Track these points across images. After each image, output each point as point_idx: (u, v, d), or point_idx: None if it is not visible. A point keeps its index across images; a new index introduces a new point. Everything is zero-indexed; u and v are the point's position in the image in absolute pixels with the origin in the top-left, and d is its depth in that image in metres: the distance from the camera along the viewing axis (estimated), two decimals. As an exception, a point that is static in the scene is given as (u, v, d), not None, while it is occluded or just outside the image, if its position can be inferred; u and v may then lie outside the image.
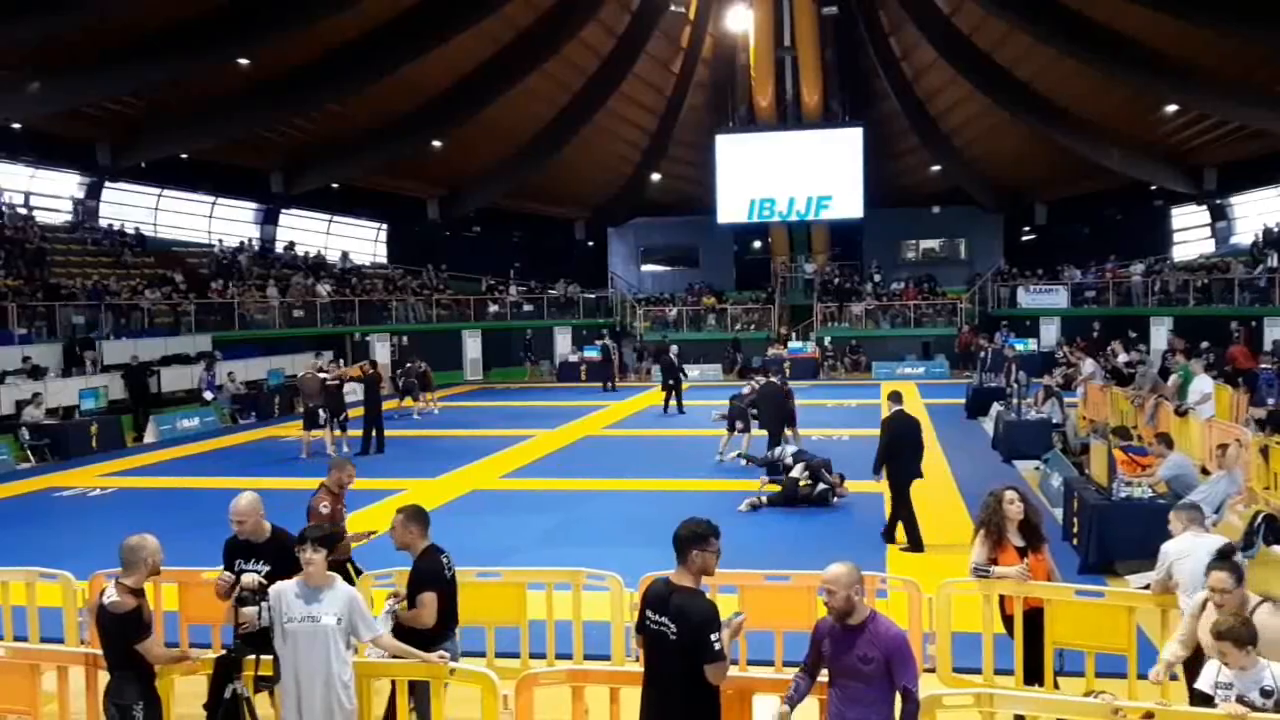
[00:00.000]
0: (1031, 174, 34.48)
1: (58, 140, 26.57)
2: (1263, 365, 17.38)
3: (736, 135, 34.46)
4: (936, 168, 34.57)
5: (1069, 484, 10.49)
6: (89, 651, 5.55)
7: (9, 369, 19.74)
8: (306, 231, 36.23)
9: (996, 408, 17.62)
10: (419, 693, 5.22)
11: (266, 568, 5.37)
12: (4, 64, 20.54)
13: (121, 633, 4.85)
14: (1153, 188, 32.30)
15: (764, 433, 15.27)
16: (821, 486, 12.43)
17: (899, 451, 10.40)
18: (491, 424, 21.18)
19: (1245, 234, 30.44)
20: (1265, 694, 4.28)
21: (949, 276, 36.50)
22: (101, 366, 21.61)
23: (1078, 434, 14.46)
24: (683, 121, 34.48)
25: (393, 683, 5.37)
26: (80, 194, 28.94)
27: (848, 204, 33.92)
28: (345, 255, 36.06)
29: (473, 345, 33.08)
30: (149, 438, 20.09)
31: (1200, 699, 4.46)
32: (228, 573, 5.41)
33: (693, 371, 27.96)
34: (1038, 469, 13.67)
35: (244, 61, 23.58)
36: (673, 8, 29.49)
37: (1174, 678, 5.20)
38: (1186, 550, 5.68)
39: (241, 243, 32.98)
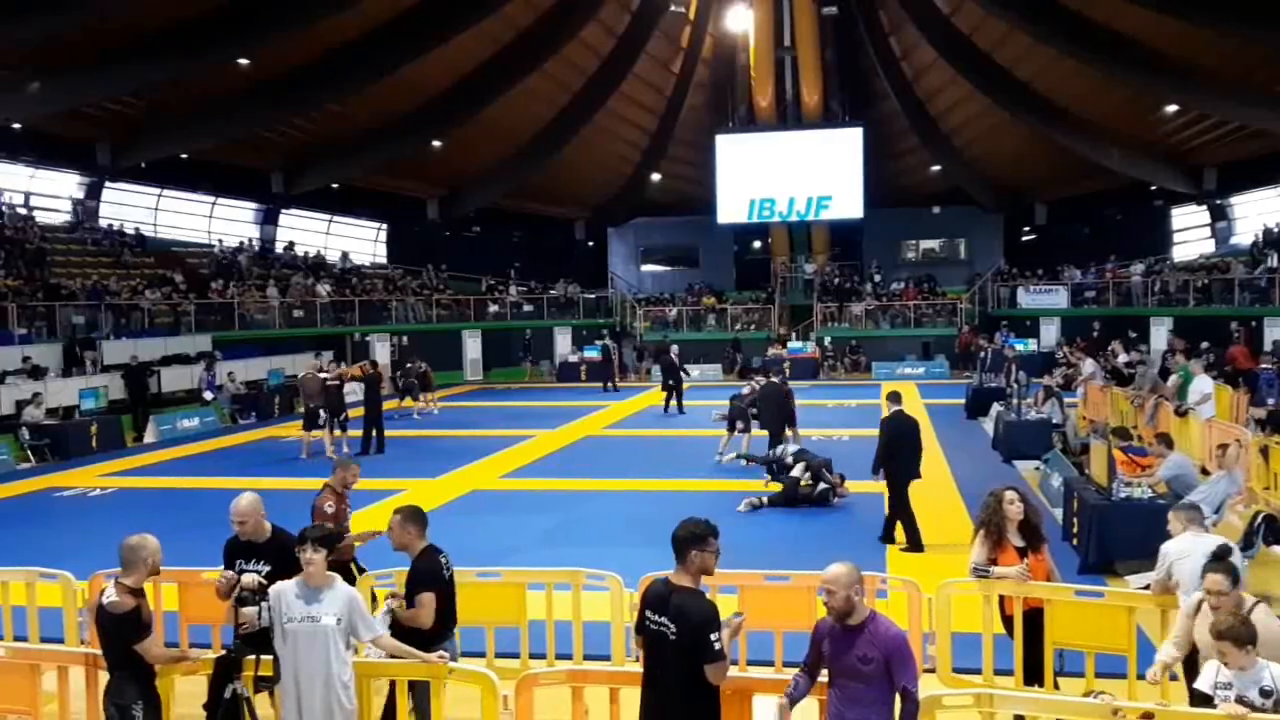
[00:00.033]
0: (1031, 174, 34.48)
1: (58, 140, 26.58)
2: (1263, 365, 17.37)
3: (736, 135, 34.46)
4: (936, 168, 34.57)
5: (1069, 484, 10.49)
6: (89, 651, 5.54)
7: (9, 369, 19.74)
8: (306, 231, 36.24)
9: (996, 408, 17.62)
10: (419, 693, 5.22)
11: (267, 568, 5.38)
12: (4, 64, 20.54)
13: (120, 633, 4.85)
14: (1153, 188, 32.30)
15: (764, 433, 15.27)
16: (822, 486, 12.43)
17: (898, 451, 10.39)
18: (491, 424, 21.18)
19: (1245, 234, 30.44)
20: (1265, 694, 4.28)
21: (949, 276, 36.50)
22: (101, 366, 21.61)
23: (1078, 434, 14.47)
24: (683, 121, 34.48)
25: (391, 683, 5.37)
26: (80, 194, 28.95)
27: (848, 204, 33.93)
28: (345, 255, 36.07)
29: (473, 345, 33.08)
30: (149, 438, 20.09)
31: (1200, 699, 4.46)
32: (229, 572, 5.41)
33: (693, 371, 27.94)
34: (1038, 469, 13.67)
35: (244, 61, 23.58)
36: (673, 8, 29.49)
37: (1174, 678, 5.21)
38: (1186, 550, 5.68)
39: (241, 243, 32.99)
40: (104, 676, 5.14)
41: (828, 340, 32.73)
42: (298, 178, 31.93)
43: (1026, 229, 37.94)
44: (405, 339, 31.04)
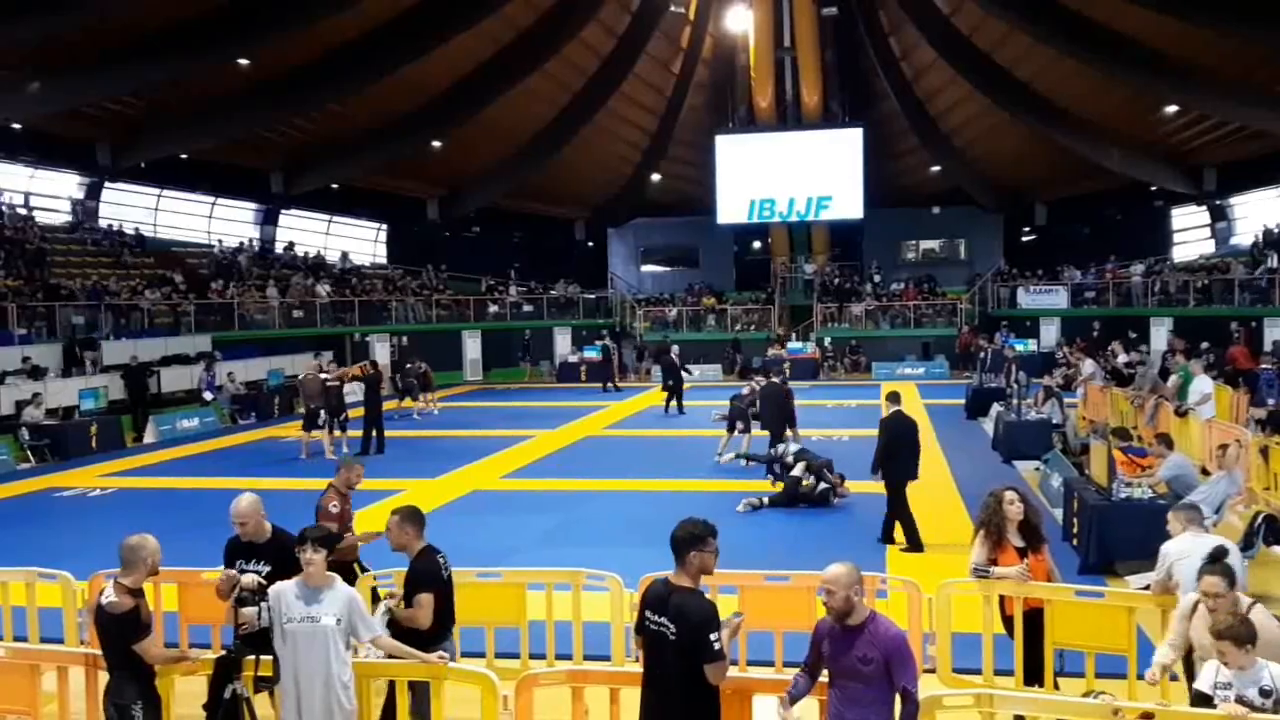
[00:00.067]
0: (1031, 174, 34.49)
1: (58, 140, 26.58)
2: (1263, 366, 17.37)
3: (736, 135, 34.47)
4: (936, 168, 34.57)
5: (1069, 484, 10.49)
6: (89, 652, 5.55)
7: (9, 369, 19.74)
8: (306, 232, 36.23)
9: (996, 408, 17.61)
10: (418, 693, 5.22)
11: (267, 568, 5.39)
12: (4, 64, 20.54)
13: (119, 633, 4.85)
14: (1153, 188, 32.30)
15: (764, 433, 15.27)
16: (823, 486, 12.43)
17: (896, 452, 10.40)
18: (491, 424, 21.18)
19: (1245, 234, 30.44)
20: (1264, 694, 4.28)
21: (949, 277, 36.51)
22: (101, 367, 21.61)
23: (1078, 434, 14.47)
24: (683, 122, 34.49)
25: (391, 683, 5.38)
26: (80, 194, 28.94)
27: (848, 204, 33.93)
28: (345, 255, 36.06)
29: (472, 346, 33.08)
30: (149, 438, 20.09)
31: (1200, 699, 4.46)
32: (231, 570, 5.41)
33: (694, 371, 27.92)
34: (1038, 469, 13.67)
35: (244, 61, 23.58)
36: (673, 8, 29.51)
37: (1174, 678, 5.20)
38: (1186, 550, 5.68)
39: (241, 243, 32.99)
40: (103, 677, 5.14)
41: (828, 340, 32.73)
42: (298, 178, 31.93)
43: (1026, 229, 37.94)
44: (405, 339, 31.04)
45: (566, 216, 39.83)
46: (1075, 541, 9.72)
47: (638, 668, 4.65)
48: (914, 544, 10.14)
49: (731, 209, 34.80)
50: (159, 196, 31.19)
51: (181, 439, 20.23)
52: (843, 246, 38.11)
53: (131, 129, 26.35)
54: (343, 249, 36.58)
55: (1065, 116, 28.26)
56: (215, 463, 17.35)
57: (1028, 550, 6.12)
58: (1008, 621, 6.16)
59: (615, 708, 5.05)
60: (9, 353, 20.31)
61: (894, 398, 10.92)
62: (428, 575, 5.28)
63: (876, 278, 36.45)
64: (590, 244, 40.32)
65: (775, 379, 16.23)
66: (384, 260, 38.83)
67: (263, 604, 4.84)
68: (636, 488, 13.94)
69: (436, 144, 30.66)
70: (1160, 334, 26.39)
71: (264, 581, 5.09)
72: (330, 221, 37.18)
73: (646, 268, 40.34)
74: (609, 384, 28.38)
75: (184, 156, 28.78)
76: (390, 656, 5.10)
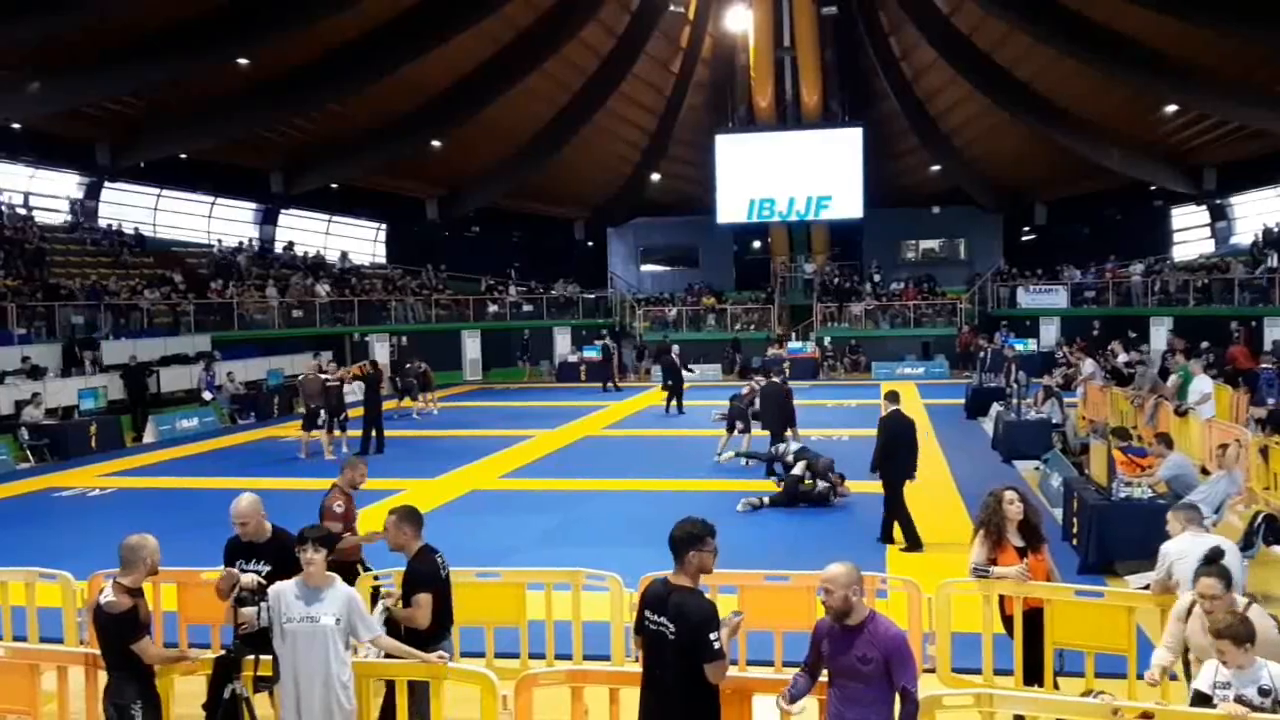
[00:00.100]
0: (1031, 174, 34.48)
1: (57, 140, 26.58)
2: (1263, 365, 17.36)
3: (736, 135, 34.46)
4: (936, 168, 34.57)
5: (1069, 484, 10.49)
6: (88, 651, 5.54)
7: (8, 369, 19.74)
8: (306, 231, 36.24)
9: (996, 408, 17.61)
10: (418, 693, 5.22)
11: (267, 568, 5.40)
12: (4, 64, 20.54)
13: (118, 632, 4.85)
14: (1153, 188, 32.31)
15: (765, 433, 15.27)
16: (823, 485, 12.43)
17: (895, 451, 10.40)
18: (491, 424, 21.18)
19: (1245, 234, 30.45)
20: (1263, 693, 4.28)
21: (949, 276, 36.51)
22: (101, 367, 21.61)
23: (1077, 434, 14.47)
24: (682, 121, 34.48)
25: (387, 683, 5.38)
26: (79, 194, 28.94)
27: (847, 204, 33.94)
28: (344, 255, 36.06)
29: (472, 345, 33.08)
30: (148, 438, 20.09)
31: (1199, 699, 4.46)
32: (231, 569, 5.41)
33: (695, 370, 27.91)
34: (1037, 469, 13.67)
35: (244, 61, 23.58)
36: (672, 8, 29.50)
37: (1173, 678, 5.20)
38: (1186, 550, 5.68)
39: (240, 243, 32.98)
40: (103, 676, 5.14)
41: (827, 340, 32.74)
42: (297, 178, 31.93)
43: (1026, 229, 37.94)
44: (405, 339, 31.04)
45: (566, 216, 39.82)
46: (1075, 541, 9.72)
47: (637, 668, 4.65)
48: (912, 543, 10.14)
49: (731, 209, 34.80)
50: (158, 196, 31.20)
51: (181, 439, 20.22)
52: (842, 246, 38.10)
53: (131, 129, 26.34)
54: (342, 249, 36.58)
55: (1065, 116, 28.26)
56: (215, 463, 17.35)
57: (1027, 550, 6.12)
58: (1007, 621, 6.16)
59: (615, 707, 5.05)
60: (8, 352, 20.31)
61: (893, 397, 10.92)
62: (426, 575, 5.28)
63: (876, 277, 36.45)
64: (590, 244, 40.31)
65: (775, 379, 16.23)
66: (383, 260, 38.83)
67: (262, 604, 4.84)
68: (636, 488, 13.94)
69: (436, 144, 30.66)
70: (1160, 334, 26.39)
71: (263, 581, 5.09)
72: (330, 221, 37.18)
73: (646, 267, 40.34)
74: (609, 384, 28.38)
75: (184, 156, 28.77)
76: (390, 656, 5.10)
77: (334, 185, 33.77)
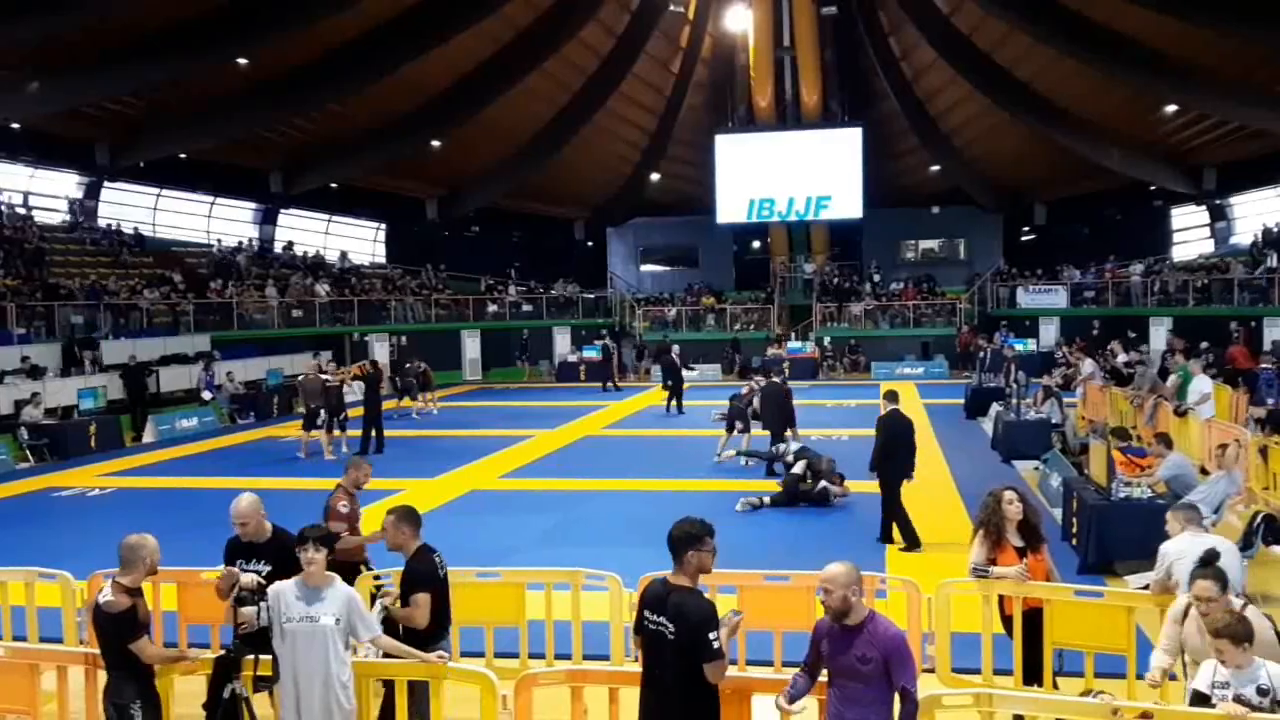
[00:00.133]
0: (1031, 174, 34.49)
1: (57, 140, 26.59)
2: (1262, 365, 17.36)
3: (736, 135, 34.47)
4: (936, 168, 34.58)
5: (1068, 484, 10.49)
6: (88, 651, 5.54)
7: (8, 369, 19.73)
8: (305, 231, 36.24)
9: (996, 408, 17.61)
10: (417, 693, 5.22)
11: (268, 568, 5.39)
12: (4, 64, 20.54)
13: (116, 632, 4.85)
14: (1152, 188, 32.31)
15: (765, 433, 15.28)
16: (823, 484, 12.43)
17: (894, 451, 10.40)
18: (491, 424, 21.18)
19: (1245, 234, 30.46)
20: (1261, 692, 4.28)
21: (948, 276, 36.51)
22: (100, 366, 21.61)
23: (1077, 434, 14.47)
24: (682, 121, 34.49)
25: (384, 683, 5.38)
26: (79, 194, 28.93)
27: (847, 204, 33.95)
28: (344, 255, 36.06)
29: (472, 345, 33.08)
30: (148, 438, 20.09)
31: (1198, 699, 4.46)
32: (231, 568, 5.42)
33: (690, 372, 27.90)
34: (1037, 469, 13.67)
35: (244, 61, 23.58)
36: (672, 8, 29.50)
37: (1173, 678, 5.21)
38: (1185, 550, 5.68)
39: (240, 242, 32.98)
40: (103, 676, 5.14)
41: (827, 340, 32.74)
42: (297, 178, 31.93)
43: (1026, 229, 37.95)
44: (404, 339, 31.05)
45: (566, 216, 39.83)
46: (1074, 541, 9.72)
47: (637, 667, 4.65)
48: (911, 542, 10.14)
49: (731, 208, 34.81)
50: (158, 196, 31.19)
51: (180, 439, 20.22)
52: (842, 246, 38.11)
53: (131, 129, 26.34)
54: (342, 248, 36.58)
55: (1065, 116, 28.26)
56: (214, 462, 17.35)
57: (1027, 550, 6.12)
58: (1007, 621, 6.16)
59: (614, 707, 5.05)
60: (8, 352, 20.31)
61: (891, 396, 10.92)
62: (424, 575, 5.28)
63: (876, 277, 36.45)
64: (590, 244, 40.32)
65: (775, 379, 16.23)
66: (383, 260, 38.83)
67: (262, 603, 4.84)
68: (636, 487, 13.94)
69: (436, 144, 30.66)
70: (1159, 334, 26.40)
71: (263, 581, 5.09)
72: (329, 221, 37.18)
73: (646, 267, 40.35)
74: (608, 384, 28.38)
75: (183, 156, 28.78)
76: (389, 656, 5.11)
77: (334, 185, 33.76)
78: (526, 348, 33.68)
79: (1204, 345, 20.85)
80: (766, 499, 12.42)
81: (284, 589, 4.84)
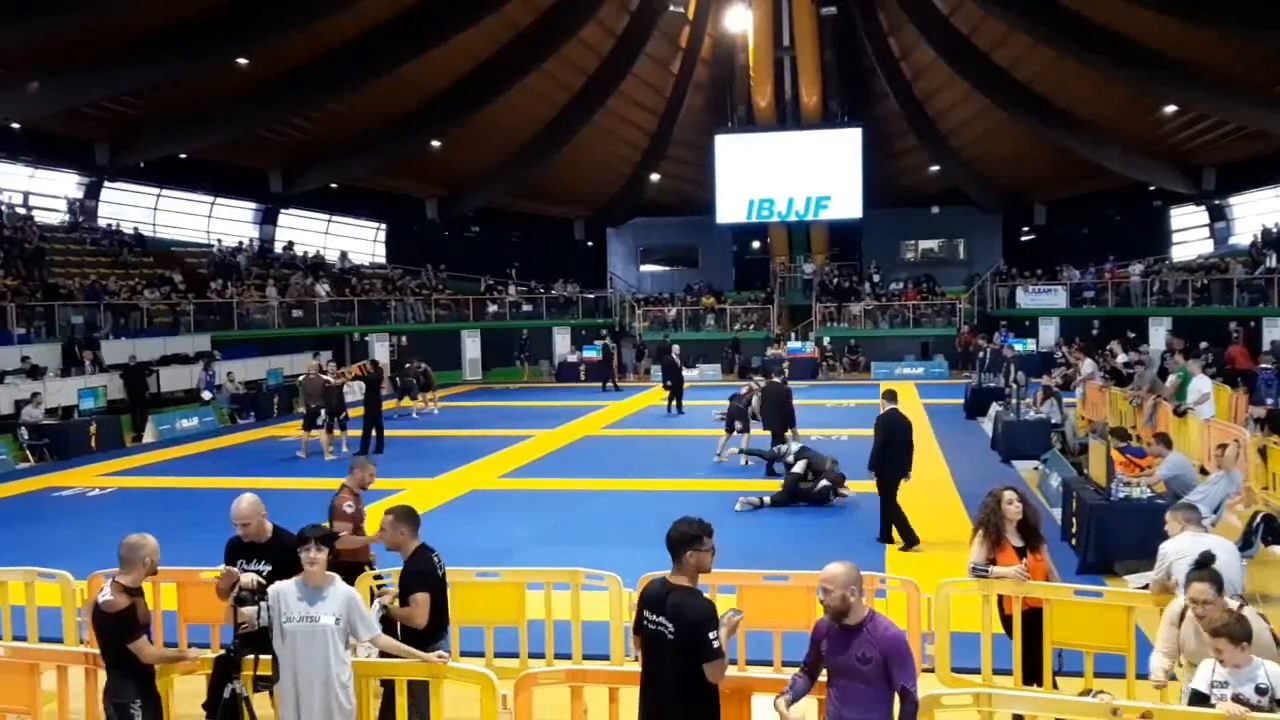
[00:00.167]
0: (1031, 174, 34.50)
1: (57, 140, 26.59)
2: (1262, 365, 17.37)
3: (736, 135, 34.48)
4: (935, 168, 34.59)
5: (1068, 484, 10.50)
6: (88, 651, 5.54)
7: (8, 369, 19.74)
8: (305, 231, 36.24)
9: (995, 408, 17.61)
10: (417, 693, 5.22)
11: (268, 568, 5.40)
12: (4, 64, 20.54)
13: (115, 632, 4.86)
14: (1152, 188, 32.34)
15: (765, 433, 15.28)
16: (823, 484, 12.44)
17: (893, 451, 10.41)
18: (491, 424, 21.18)
19: (1244, 234, 30.48)
20: (1260, 691, 4.29)
21: (948, 277, 36.52)
22: (100, 366, 21.61)
23: (1076, 434, 14.48)
24: (682, 122, 34.49)
25: (384, 683, 5.38)
26: (79, 194, 28.94)
27: (847, 204, 33.96)
28: (344, 255, 36.06)
29: (472, 345, 33.09)
30: (148, 437, 20.09)
31: (1197, 698, 4.47)
32: (231, 568, 5.42)
33: (691, 372, 27.92)
34: (1037, 469, 13.67)
35: (244, 61, 23.58)
36: (672, 8, 29.50)
37: (1173, 678, 5.21)
38: (1185, 550, 5.68)
39: (240, 243, 32.98)
40: (103, 676, 5.15)
41: (827, 340, 32.74)
42: (297, 178, 31.93)
43: (1025, 229, 37.95)
44: (404, 339, 31.05)
45: (566, 216, 39.83)
46: (1074, 541, 9.73)
47: (637, 667, 4.65)
48: (909, 540, 10.15)
49: (731, 209, 34.82)
50: (158, 196, 31.20)
51: (181, 439, 20.23)
52: (842, 246, 38.12)
53: (131, 129, 26.34)
54: (342, 249, 36.58)
55: (1065, 116, 28.27)
56: (214, 462, 17.35)
57: (1026, 550, 6.13)
58: (1006, 621, 6.16)
59: (614, 707, 5.05)
60: (8, 352, 20.31)
61: (890, 396, 10.93)
62: (422, 575, 5.29)
63: (875, 277, 36.45)
64: (589, 244, 40.32)
65: (775, 379, 16.24)
66: (383, 260, 38.83)
67: (262, 603, 4.84)
68: (636, 487, 13.95)
69: (436, 144, 30.67)
70: (1159, 334, 26.41)
71: (263, 580, 5.09)
72: (329, 221, 37.18)
73: (646, 267, 40.35)
74: (608, 384, 28.39)
75: (183, 156, 28.78)
76: (389, 656, 5.11)
77: (334, 185, 33.76)
78: (526, 348, 33.68)
79: (1203, 345, 20.84)
80: (766, 499, 12.42)
81: (284, 589, 4.84)
